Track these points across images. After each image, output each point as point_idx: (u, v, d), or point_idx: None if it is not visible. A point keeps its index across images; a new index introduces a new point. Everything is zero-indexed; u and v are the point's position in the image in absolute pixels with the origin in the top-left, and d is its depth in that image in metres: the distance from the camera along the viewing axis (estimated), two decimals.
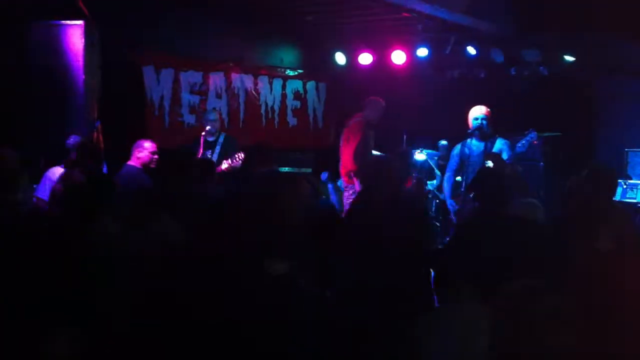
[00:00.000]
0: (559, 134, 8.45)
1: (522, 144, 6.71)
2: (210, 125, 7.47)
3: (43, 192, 6.13)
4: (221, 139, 7.54)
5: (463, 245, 4.07)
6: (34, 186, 6.29)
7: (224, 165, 7.04)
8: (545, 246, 3.71)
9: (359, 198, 5.08)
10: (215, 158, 7.27)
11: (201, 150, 7.49)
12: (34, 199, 6.19)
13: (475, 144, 6.96)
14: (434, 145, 9.78)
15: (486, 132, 6.91)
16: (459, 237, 4.44)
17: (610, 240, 3.77)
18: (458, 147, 7.08)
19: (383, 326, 3.17)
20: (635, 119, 9.01)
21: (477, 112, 6.96)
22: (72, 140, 6.42)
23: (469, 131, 6.94)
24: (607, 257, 3.36)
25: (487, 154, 6.76)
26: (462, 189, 6.67)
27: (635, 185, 7.88)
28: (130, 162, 6.56)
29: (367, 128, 7.73)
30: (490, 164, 6.49)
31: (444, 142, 9.12)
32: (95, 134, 7.07)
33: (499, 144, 6.90)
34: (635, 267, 2.98)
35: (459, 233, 4.58)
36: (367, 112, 7.85)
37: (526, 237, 3.80)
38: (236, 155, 6.97)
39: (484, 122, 6.89)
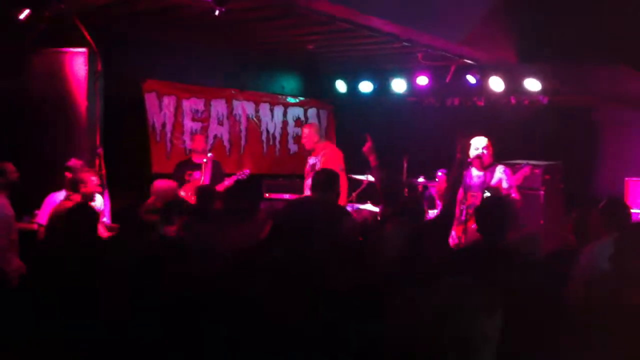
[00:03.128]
0: (558, 162, 8.48)
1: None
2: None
3: (45, 217, 6.16)
4: (210, 162, 7.85)
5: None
6: (35, 212, 6.34)
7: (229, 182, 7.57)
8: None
9: None
10: (207, 178, 7.70)
11: (202, 177, 7.66)
12: (36, 225, 6.24)
13: (475, 174, 7.01)
14: (433, 174, 9.80)
15: (485, 161, 6.98)
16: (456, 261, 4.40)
17: None
18: None
19: None
20: (636, 148, 9.05)
21: (477, 143, 7.02)
22: (72, 163, 6.47)
23: (469, 160, 7.00)
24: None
25: (487, 186, 6.80)
26: (463, 219, 6.70)
27: (636, 215, 7.88)
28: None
29: None
30: (487, 194, 6.54)
31: (440, 173, 9.11)
32: (97, 160, 7.12)
33: (499, 173, 6.94)
34: None
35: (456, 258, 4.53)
36: None
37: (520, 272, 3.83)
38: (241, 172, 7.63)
39: (484, 151, 6.95)
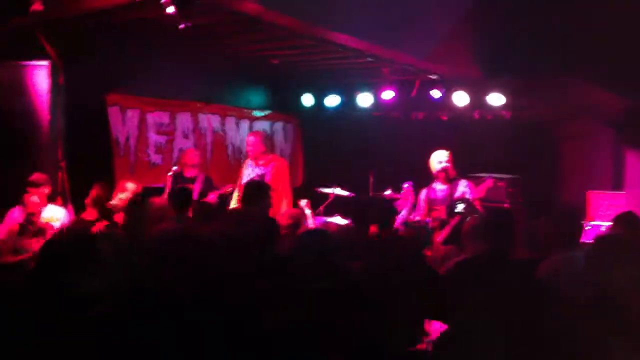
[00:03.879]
0: (518, 176, 8.62)
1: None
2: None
3: (2, 233, 6.07)
4: (201, 177, 7.92)
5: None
6: None
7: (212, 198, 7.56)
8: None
9: None
10: (196, 193, 7.66)
11: (167, 190, 7.60)
12: None
13: (439, 187, 7.09)
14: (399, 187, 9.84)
15: (449, 175, 7.06)
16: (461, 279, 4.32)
17: None
18: (424, 191, 7.19)
19: None
20: (597, 161, 9.21)
21: (440, 156, 7.11)
22: (35, 177, 6.39)
23: (434, 173, 7.08)
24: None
25: (456, 197, 6.87)
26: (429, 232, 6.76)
27: (597, 227, 8.01)
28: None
29: None
30: (461, 207, 6.60)
31: (406, 185, 9.14)
32: (59, 174, 7.05)
33: (462, 187, 7.03)
34: None
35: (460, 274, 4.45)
36: None
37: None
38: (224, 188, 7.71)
39: (447, 164, 7.04)
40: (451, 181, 7.11)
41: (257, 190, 5.94)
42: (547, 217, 4.66)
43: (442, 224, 6.87)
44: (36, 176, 6.36)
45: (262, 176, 7.89)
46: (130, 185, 6.67)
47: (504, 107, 8.79)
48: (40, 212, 6.19)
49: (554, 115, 9.15)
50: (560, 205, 8.86)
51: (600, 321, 3.29)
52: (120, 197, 6.56)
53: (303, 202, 7.25)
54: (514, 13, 7.77)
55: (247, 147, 8.31)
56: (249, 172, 8.09)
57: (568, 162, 9.43)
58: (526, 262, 4.38)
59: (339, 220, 8.20)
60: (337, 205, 8.60)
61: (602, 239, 4.05)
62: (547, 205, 8.59)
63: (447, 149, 7.20)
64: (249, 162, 8.26)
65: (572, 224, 4.70)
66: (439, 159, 7.15)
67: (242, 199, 5.95)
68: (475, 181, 7.43)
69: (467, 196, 6.94)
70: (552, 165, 9.47)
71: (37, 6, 5.49)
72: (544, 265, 4.26)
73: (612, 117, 8.80)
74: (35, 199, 6.16)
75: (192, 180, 7.84)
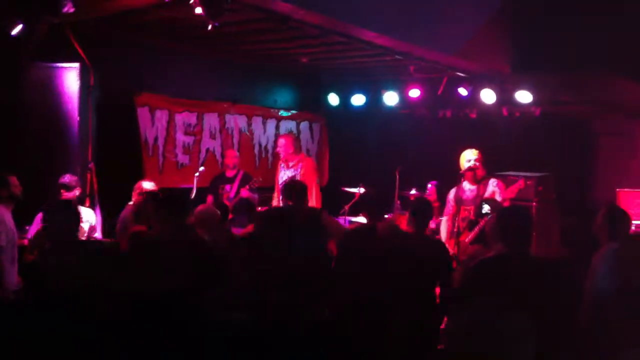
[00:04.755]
0: (550, 174, 8.50)
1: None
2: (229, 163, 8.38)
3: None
4: (240, 175, 8.29)
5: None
6: (27, 227, 6.27)
7: (244, 192, 7.97)
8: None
9: None
10: (234, 191, 8.11)
11: (194, 191, 7.66)
12: (27, 241, 6.16)
13: (468, 187, 7.00)
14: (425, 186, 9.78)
15: (478, 174, 6.97)
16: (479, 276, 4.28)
17: None
18: (453, 191, 7.09)
19: None
20: (628, 158, 9.08)
21: (469, 155, 7.01)
22: (67, 179, 6.42)
23: (461, 173, 6.98)
24: None
25: (484, 198, 6.77)
26: (456, 231, 6.68)
27: None
28: (131, 202, 6.61)
29: None
30: (487, 208, 6.50)
31: (429, 185, 9.07)
32: (88, 175, 7.08)
33: (492, 187, 6.92)
34: None
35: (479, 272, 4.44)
36: None
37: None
38: (252, 181, 7.99)
39: (476, 164, 6.95)
40: (480, 181, 7.00)
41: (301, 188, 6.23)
42: (594, 215, 4.63)
43: (471, 224, 6.79)
44: (68, 178, 6.39)
45: (293, 177, 8.14)
46: (147, 184, 6.68)
47: (534, 103, 8.69)
48: None
49: (587, 111, 9.03)
50: (591, 203, 8.75)
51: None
52: (139, 195, 6.59)
53: None
54: (545, 9, 7.66)
55: (277, 149, 8.60)
56: (281, 175, 8.38)
57: (600, 159, 9.30)
58: (549, 261, 4.36)
59: (363, 219, 8.16)
60: (361, 205, 8.57)
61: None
62: (579, 203, 8.51)
63: (477, 148, 7.09)
64: (281, 164, 8.49)
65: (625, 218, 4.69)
66: (467, 158, 7.04)
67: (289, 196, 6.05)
68: (505, 180, 7.34)
69: (497, 196, 6.84)
70: (585, 162, 9.35)
71: (68, 8, 5.50)
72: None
73: None
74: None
75: (232, 179, 8.22)
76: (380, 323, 3.41)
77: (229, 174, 8.32)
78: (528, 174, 8.16)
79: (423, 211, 5.27)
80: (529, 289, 3.76)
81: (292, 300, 3.67)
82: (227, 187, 8.18)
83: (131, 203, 6.71)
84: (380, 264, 4.89)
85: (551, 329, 3.49)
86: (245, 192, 7.98)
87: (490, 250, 4.44)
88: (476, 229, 6.63)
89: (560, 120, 9.07)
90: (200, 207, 5.75)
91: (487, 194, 6.87)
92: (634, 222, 7.65)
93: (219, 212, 5.84)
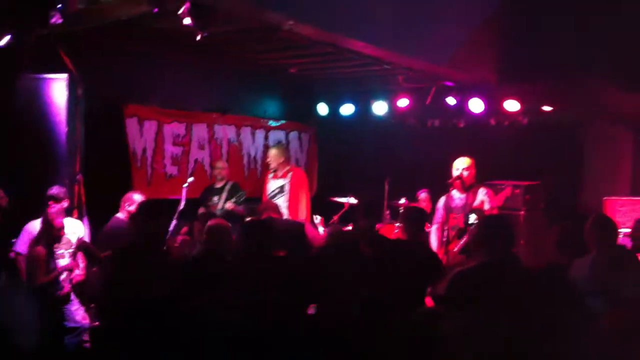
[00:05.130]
0: (538, 182, 8.54)
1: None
2: (217, 174, 8.37)
3: (22, 246, 6.05)
4: (228, 186, 8.25)
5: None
6: (13, 240, 6.21)
7: (229, 205, 7.94)
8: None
9: None
10: (221, 204, 8.07)
11: (183, 201, 7.61)
12: (14, 254, 6.11)
13: (457, 195, 7.00)
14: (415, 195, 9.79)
15: (466, 183, 6.96)
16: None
17: None
18: (442, 199, 7.10)
19: None
20: (616, 165, 9.13)
21: (458, 164, 7.02)
22: (55, 190, 6.37)
23: (449, 181, 6.98)
24: None
25: (472, 208, 6.79)
26: (445, 241, 6.69)
27: None
28: (118, 215, 6.57)
29: None
30: (473, 218, 6.52)
31: (423, 194, 9.08)
32: (76, 187, 7.03)
33: (481, 195, 6.93)
34: None
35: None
36: None
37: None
38: (238, 196, 8.00)
39: (464, 172, 6.95)
40: (468, 189, 7.00)
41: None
42: (583, 221, 4.71)
43: (460, 232, 6.80)
44: (56, 189, 6.32)
45: (282, 187, 8.23)
46: (137, 197, 6.69)
47: (521, 112, 8.73)
48: (64, 228, 6.16)
49: (574, 119, 9.06)
50: (579, 210, 8.78)
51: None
52: (128, 209, 6.62)
53: (317, 219, 7.55)
54: (533, 18, 7.72)
55: (267, 159, 8.65)
56: (270, 186, 8.42)
57: (588, 167, 9.34)
58: (533, 270, 4.41)
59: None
60: (351, 215, 8.60)
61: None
62: (568, 211, 8.53)
63: (469, 156, 7.09)
64: (269, 175, 8.51)
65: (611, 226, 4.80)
66: (456, 167, 7.05)
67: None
68: (494, 189, 7.35)
69: (486, 205, 6.86)
70: (573, 170, 9.38)
71: (57, 19, 5.48)
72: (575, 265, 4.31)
73: (633, 121, 8.72)
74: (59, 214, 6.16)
75: (221, 190, 8.22)
76: (376, 324, 3.45)
77: (218, 184, 8.33)
78: (516, 182, 8.19)
79: (413, 219, 5.32)
80: (511, 296, 3.78)
81: (292, 300, 3.69)
82: (215, 198, 8.19)
83: (120, 215, 6.70)
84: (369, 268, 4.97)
85: (537, 336, 3.52)
86: (230, 205, 7.98)
87: (472, 259, 4.47)
88: (465, 237, 6.65)
89: (547, 128, 9.10)
90: (211, 222, 5.61)
91: (476, 203, 6.88)
92: (620, 230, 7.79)
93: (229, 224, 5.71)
